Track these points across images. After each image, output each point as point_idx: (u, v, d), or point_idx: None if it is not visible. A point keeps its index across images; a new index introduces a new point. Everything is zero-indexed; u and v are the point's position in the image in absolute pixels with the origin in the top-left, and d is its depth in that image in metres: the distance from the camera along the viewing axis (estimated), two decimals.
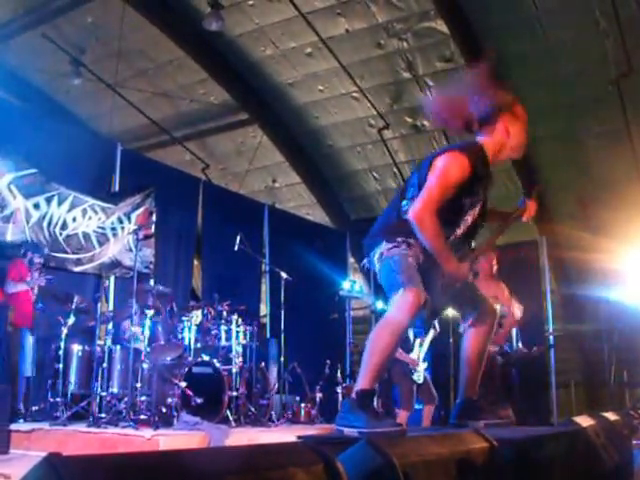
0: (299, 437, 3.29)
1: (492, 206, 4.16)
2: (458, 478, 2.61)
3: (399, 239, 3.59)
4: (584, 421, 4.00)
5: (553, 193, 10.43)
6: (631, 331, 9.44)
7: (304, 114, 11.74)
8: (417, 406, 8.87)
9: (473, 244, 4.08)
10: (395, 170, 11.73)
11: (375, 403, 3.50)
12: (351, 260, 12.44)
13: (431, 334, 8.33)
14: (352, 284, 10.36)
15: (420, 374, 8.13)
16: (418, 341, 8.26)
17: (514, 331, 8.13)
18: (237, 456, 1.84)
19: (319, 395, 8.55)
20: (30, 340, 7.08)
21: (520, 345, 8.24)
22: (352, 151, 12.05)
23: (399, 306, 3.40)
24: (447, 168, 3.59)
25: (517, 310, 7.49)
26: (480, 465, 2.76)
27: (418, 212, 3.51)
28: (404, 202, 3.68)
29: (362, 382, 3.35)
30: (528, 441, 3.30)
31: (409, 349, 8.18)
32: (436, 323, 8.21)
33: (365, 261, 3.82)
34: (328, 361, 9.00)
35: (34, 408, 6.68)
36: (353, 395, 3.37)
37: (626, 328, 9.55)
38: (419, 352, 8.24)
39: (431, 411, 8.17)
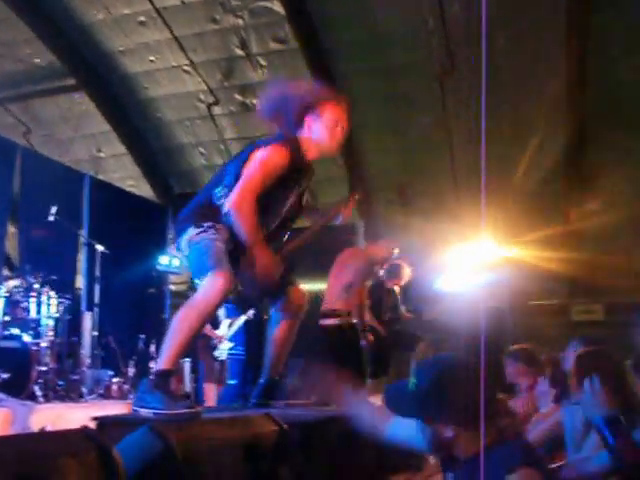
0: (94, 418, 3.26)
1: (311, 204, 4.28)
2: (245, 462, 2.68)
3: (207, 224, 3.61)
4: (379, 401, 4.19)
5: (374, 179, 10.76)
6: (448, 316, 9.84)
7: (134, 84, 11.46)
8: (231, 381, 9.02)
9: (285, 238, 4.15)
10: (222, 147, 11.68)
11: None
12: (171, 235, 12.29)
13: (242, 318, 8.45)
14: (170, 259, 10.26)
15: (222, 352, 8.27)
16: (228, 321, 8.37)
17: None
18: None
19: (132, 370, 8.47)
20: None
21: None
22: (180, 125, 11.88)
23: (208, 289, 3.40)
24: (267, 159, 3.65)
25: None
26: (268, 448, 2.85)
27: (236, 201, 3.55)
28: (218, 188, 3.70)
29: (163, 362, 3.35)
30: (320, 423, 3.43)
31: (216, 325, 8.30)
32: (251, 311, 8.34)
33: (175, 246, 3.84)
34: (142, 336, 8.90)
35: None
36: (151, 375, 3.37)
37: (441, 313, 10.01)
38: (226, 331, 8.36)
39: (216, 391, 8.35)
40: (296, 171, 3.78)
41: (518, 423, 4.74)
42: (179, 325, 3.37)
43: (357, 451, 3.74)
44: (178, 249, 3.78)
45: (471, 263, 10.60)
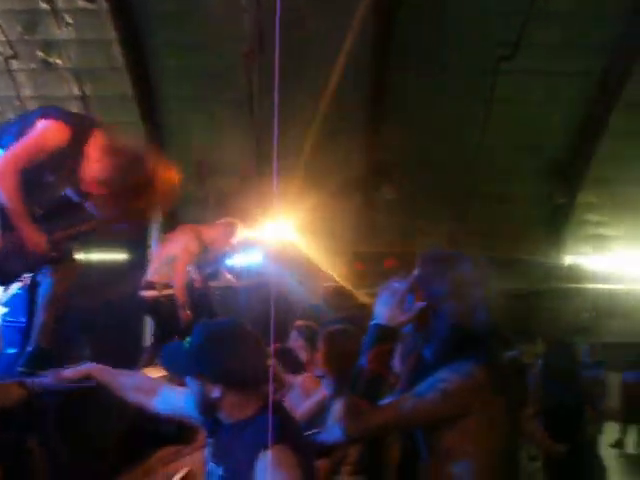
0: None
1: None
2: None
3: None
4: (154, 372, 4.18)
5: (174, 153, 10.62)
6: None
7: None
8: (9, 350, 8.69)
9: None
10: (18, 104, 11.07)
11: None
12: None
13: (19, 283, 8.18)
14: None
15: None
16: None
17: None
18: None
19: None
20: None
21: None
22: None
23: None
24: (45, 132, 3.53)
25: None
26: (15, 414, 2.78)
27: (1, 165, 3.44)
28: None
29: None
30: (81, 393, 3.38)
31: None
32: (27, 276, 8.08)
33: None
34: None
35: None
36: None
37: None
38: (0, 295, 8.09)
39: None
40: (73, 157, 3.65)
41: (284, 392, 4.91)
42: None
43: (121, 423, 3.72)
44: None
45: (264, 243, 10.72)
